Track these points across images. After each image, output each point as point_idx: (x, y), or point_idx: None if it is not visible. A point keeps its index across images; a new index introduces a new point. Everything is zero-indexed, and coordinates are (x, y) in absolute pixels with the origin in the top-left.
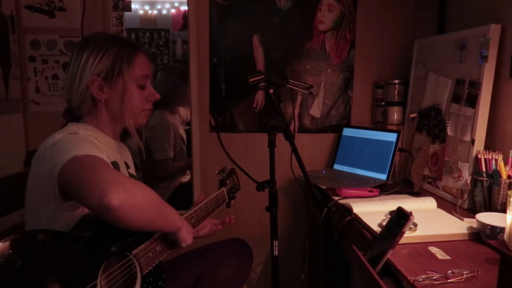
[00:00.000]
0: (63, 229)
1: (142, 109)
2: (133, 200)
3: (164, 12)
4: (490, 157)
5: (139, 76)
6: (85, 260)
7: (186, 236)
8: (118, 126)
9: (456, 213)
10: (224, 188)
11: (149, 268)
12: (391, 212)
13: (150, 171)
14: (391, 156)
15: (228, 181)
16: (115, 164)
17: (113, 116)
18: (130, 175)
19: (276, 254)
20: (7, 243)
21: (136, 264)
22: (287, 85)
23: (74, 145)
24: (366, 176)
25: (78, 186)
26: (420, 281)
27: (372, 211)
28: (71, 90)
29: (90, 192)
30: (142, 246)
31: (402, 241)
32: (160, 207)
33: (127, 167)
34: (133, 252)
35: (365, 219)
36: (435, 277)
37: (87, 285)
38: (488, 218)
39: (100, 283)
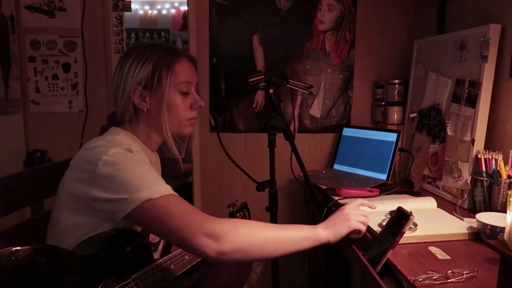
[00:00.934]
0: (77, 238)
1: (186, 118)
2: (242, 243)
3: (164, 12)
4: (490, 157)
5: (180, 82)
6: (83, 279)
7: (332, 230)
8: (160, 137)
9: (456, 213)
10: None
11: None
12: (391, 212)
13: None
14: (391, 156)
15: (237, 214)
16: None
17: (155, 126)
18: None
19: None
20: (6, 254)
21: (134, 286)
22: (287, 85)
23: (140, 177)
24: (366, 176)
25: (168, 235)
26: (420, 281)
27: (372, 211)
28: (115, 99)
29: (191, 245)
30: (142, 270)
31: (402, 241)
32: (276, 237)
33: None
34: (132, 276)
35: None
36: (435, 277)
37: None
38: (488, 218)
39: None
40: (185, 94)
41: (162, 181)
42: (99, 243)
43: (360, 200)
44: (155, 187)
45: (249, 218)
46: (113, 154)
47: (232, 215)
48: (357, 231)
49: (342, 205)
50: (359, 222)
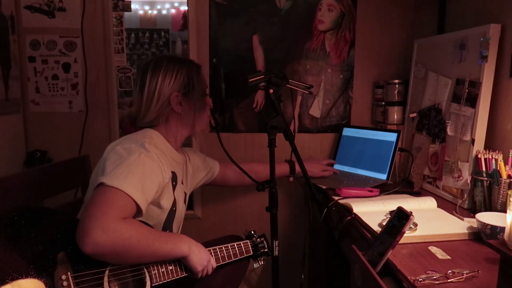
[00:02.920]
0: None
1: (207, 115)
2: (108, 248)
3: (164, 12)
4: (490, 157)
5: (206, 86)
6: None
7: (196, 264)
8: (183, 136)
9: (456, 213)
10: (248, 241)
11: (159, 282)
12: (391, 212)
13: None
14: (391, 156)
15: (255, 238)
16: (174, 175)
17: (185, 125)
18: (182, 188)
19: (276, 254)
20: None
21: (146, 272)
22: (287, 85)
23: (121, 170)
24: (366, 176)
25: (82, 214)
26: (420, 281)
27: (372, 211)
28: (148, 107)
29: (78, 229)
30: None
31: (402, 241)
32: (151, 246)
33: (182, 180)
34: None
35: (365, 219)
36: (435, 277)
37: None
38: (488, 217)
39: (109, 272)
40: (206, 96)
41: (137, 181)
42: None
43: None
44: (119, 178)
45: (270, 249)
46: (127, 147)
47: (249, 237)
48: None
49: (342, 205)
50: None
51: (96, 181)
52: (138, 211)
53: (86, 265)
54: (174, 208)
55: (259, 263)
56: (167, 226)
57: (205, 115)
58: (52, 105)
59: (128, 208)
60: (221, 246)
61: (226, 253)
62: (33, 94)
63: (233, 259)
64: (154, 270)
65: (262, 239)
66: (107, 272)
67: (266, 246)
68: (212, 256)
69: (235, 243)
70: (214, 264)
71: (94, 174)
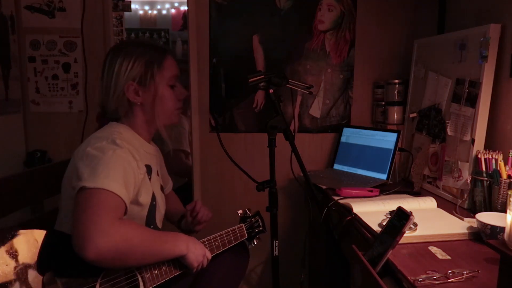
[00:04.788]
0: None
1: (175, 108)
2: (112, 252)
3: (164, 12)
4: (490, 157)
5: (169, 77)
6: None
7: (192, 261)
8: (152, 128)
9: (456, 212)
10: (243, 224)
11: (154, 285)
12: (391, 212)
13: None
14: (391, 156)
15: (249, 220)
16: (149, 168)
17: (148, 117)
18: (159, 179)
19: (276, 254)
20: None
21: (139, 277)
22: (287, 85)
23: (100, 169)
24: (366, 176)
25: (73, 224)
26: (420, 281)
27: (372, 211)
28: (107, 96)
29: (75, 238)
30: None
31: (402, 241)
32: (152, 246)
33: (157, 170)
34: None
35: (365, 219)
36: (435, 277)
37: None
38: (488, 217)
39: (101, 279)
40: (173, 87)
41: (116, 177)
42: None
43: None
44: (98, 178)
45: (263, 227)
46: (97, 147)
47: (243, 220)
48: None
49: (342, 205)
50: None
51: (71, 187)
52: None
53: (76, 279)
54: (154, 203)
55: (253, 244)
56: (151, 222)
57: (171, 107)
58: (52, 105)
59: (118, 206)
60: (215, 235)
61: (221, 241)
62: (33, 94)
63: (228, 246)
64: (147, 273)
65: (257, 217)
66: (99, 280)
67: (261, 224)
68: (206, 248)
69: (229, 229)
70: (209, 256)
71: (66, 181)
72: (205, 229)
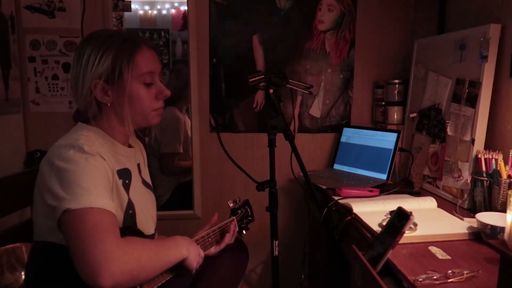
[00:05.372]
0: (58, 240)
1: (152, 109)
2: (127, 275)
3: (164, 12)
4: (490, 157)
5: (143, 73)
6: None
7: (193, 262)
8: (129, 129)
9: (456, 212)
10: (234, 217)
11: None
12: (391, 212)
13: (157, 163)
14: (391, 156)
15: (239, 211)
16: (126, 172)
17: (121, 119)
18: (144, 181)
19: (276, 254)
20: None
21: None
22: (287, 85)
23: (79, 184)
24: (366, 176)
25: (73, 252)
26: (420, 280)
27: (372, 211)
28: (76, 94)
29: (83, 268)
30: None
31: (402, 241)
32: (158, 257)
33: (139, 171)
34: None
35: (365, 219)
36: (435, 277)
37: None
38: (488, 217)
39: None
40: (149, 85)
41: (99, 191)
42: None
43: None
44: (82, 196)
45: (252, 216)
46: (64, 157)
47: (234, 212)
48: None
49: (342, 205)
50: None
51: (45, 205)
52: None
53: None
54: (131, 211)
55: (243, 233)
56: (133, 232)
57: (147, 108)
58: (52, 105)
59: (113, 222)
60: (208, 231)
61: (214, 238)
62: (33, 94)
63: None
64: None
65: (246, 207)
66: None
67: (250, 214)
68: (199, 247)
69: (222, 223)
70: (203, 254)
71: (37, 194)
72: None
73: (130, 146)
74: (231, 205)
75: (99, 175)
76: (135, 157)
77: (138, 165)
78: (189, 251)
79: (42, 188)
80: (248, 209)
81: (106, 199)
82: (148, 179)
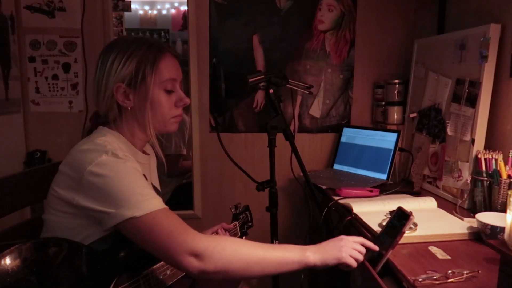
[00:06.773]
0: (81, 239)
1: (171, 116)
2: (224, 259)
3: (164, 12)
4: (490, 157)
5: (165, 80)
6: (98, 274)
7: (321, 257)
8: (145, 136)
9: (456, 212)
10: (237, 222)
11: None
12: (391, 212)
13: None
14: (391, 156)
15: (241, 216)
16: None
17: (140, 124)
18: (153, 187)
19: None
20: (22, 248)
21: (142, 284)
22: (287, 85)
23: (126, 191)
24: (366, 176)
25: (162, 253)
26: (420, 280)
27: (372, 211)
28: (98, 97)
29: (182, 261)
30: (153, 267)
31: (402, 241)
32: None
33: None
34: (143, 272)
35: (365, 219)
36: (435, 277)
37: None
38: (488, 217)
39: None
40: (169, 92)
41: (151, 193)
42: (108, 241)
43: (363, 240)
44: (141, 203)
45: (251, 221)
46: (99, 163)
47: (235, 217)
48: (346, 265)
49: (342, 205)
50: (352, 257)
51: (85, 209)
52: None
53: None
54: None
55: (244, 238)
56: None
57: (166, 114)
58: (52, 105)
59: (176, 215)
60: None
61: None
62: (33, 94)
63: None
64: (152, 280)
65: (246, 213)
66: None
67: (250, 219)
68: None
69: (225, 231)
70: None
71: (62, 193)
72: (206, 229)
73: (145, 153)
74: (232, 210)
75: (141, 177)
76: (150, 165)
77: (150, 172)
78: (306, 251)
79: (72, 191)
80: (248, 215)
81: (158, 198)
82: (157, 184)
